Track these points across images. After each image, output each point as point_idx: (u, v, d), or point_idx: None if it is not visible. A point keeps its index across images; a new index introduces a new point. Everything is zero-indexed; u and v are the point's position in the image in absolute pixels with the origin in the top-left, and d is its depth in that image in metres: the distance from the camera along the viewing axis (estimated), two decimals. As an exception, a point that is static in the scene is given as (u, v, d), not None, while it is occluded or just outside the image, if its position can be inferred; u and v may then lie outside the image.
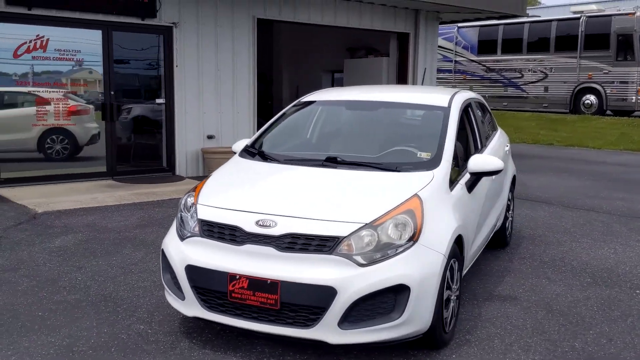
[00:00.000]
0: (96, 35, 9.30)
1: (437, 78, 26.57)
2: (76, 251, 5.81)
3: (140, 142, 10.42)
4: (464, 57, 25.54)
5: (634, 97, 20.47)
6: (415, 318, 3.54)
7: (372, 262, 3.47)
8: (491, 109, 6.63)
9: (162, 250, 4.00)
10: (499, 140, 5.98)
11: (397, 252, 3.53)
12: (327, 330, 3.44)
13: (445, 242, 3.72)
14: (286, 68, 16.77)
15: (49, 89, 9.14)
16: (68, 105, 9.49)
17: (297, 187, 4.07)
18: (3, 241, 6.07)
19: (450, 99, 4.92)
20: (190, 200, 4.03)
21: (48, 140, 9.89)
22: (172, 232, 4.03)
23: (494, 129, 6.19)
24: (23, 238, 6.19)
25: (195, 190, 4.14)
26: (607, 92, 21.09)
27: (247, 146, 4.79)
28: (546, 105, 22.97)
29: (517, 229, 7.19)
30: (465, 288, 5.07)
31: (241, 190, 4.10)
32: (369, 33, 13.35)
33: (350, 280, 3.41)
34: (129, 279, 5.08)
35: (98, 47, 9.33)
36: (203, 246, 3.75)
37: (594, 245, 6.54)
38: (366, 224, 3.54)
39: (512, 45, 23.65)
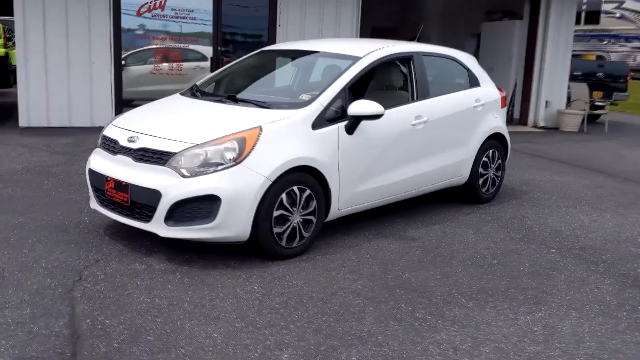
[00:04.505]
0: (208, -3, 10.78)
1: (636, 47, 24.28)
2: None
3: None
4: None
5: None
6: (229, 225, 4.26)
7: (194, 174, 4.26)
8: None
9: (94, 160, 5.17)
10: (464, 95, 6.12)
11: (218, 169, 4.27)
12: (158, 225, 4.34)
13: (273, 168, 4.35)
14: (434, 33, 16.95)
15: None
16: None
17: (177, 115, 4.97)
18: (73, 158, 7.78)
19: (370, 51, 5.33)
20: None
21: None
22: (99, 145, 5.18)
23: (473, 85, 6.31)
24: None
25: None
26: None
27: (193, 85, 5.74)
28: None
29: (525, 191, 7.17)
30: (384, 228, 5.51)
31: (139, 115, 5.10)
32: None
33: (171, 187, 4.25)
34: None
35: (209, 7, 10.80)
36: (98, 155, 4.86)
37: (584, 212, 6.38)
38: (197, 144, 4.33)
39: None
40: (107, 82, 10.27)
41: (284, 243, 4.55)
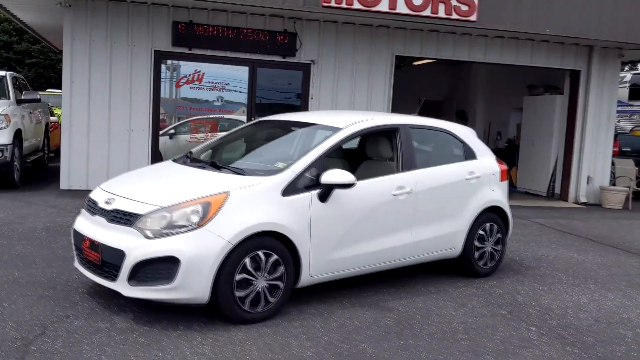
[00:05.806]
0: (243, 70, 11.26)
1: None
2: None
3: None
4: None
5: None
6: (188, 287, 4.37)
7: (158, 236, 4.42)
8: None
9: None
10: (456, 167, 6.09)
11: (180, 231, 4.42)
12: (122, 285, 4.49)
13: (235, 232, 4.46)
14: (480, 106, 17.04)
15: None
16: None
17: (158, 179, 5.19)
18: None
19: (350, 123, 5.45)
20: (104, 184, 5.43)
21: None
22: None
23: (468, 158, 6.26)
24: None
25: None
26: None
27: (188, 152, 5.99)
28: None
29: (533, 266, 6.97)
30: (365, 297, 5.47)
31: (123, 179, 5.34)
32: (548, 70, 13.07)
33: (134, 247, 4.41)
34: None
35: (244, 80, 11.28)
36: (82, 215, 5.11)
37: (586, 291, 6.13)
38: (163, 207, 4.51)
39: None
40: (144, 150, 10.78)
41: (246, 307, 4.60)
